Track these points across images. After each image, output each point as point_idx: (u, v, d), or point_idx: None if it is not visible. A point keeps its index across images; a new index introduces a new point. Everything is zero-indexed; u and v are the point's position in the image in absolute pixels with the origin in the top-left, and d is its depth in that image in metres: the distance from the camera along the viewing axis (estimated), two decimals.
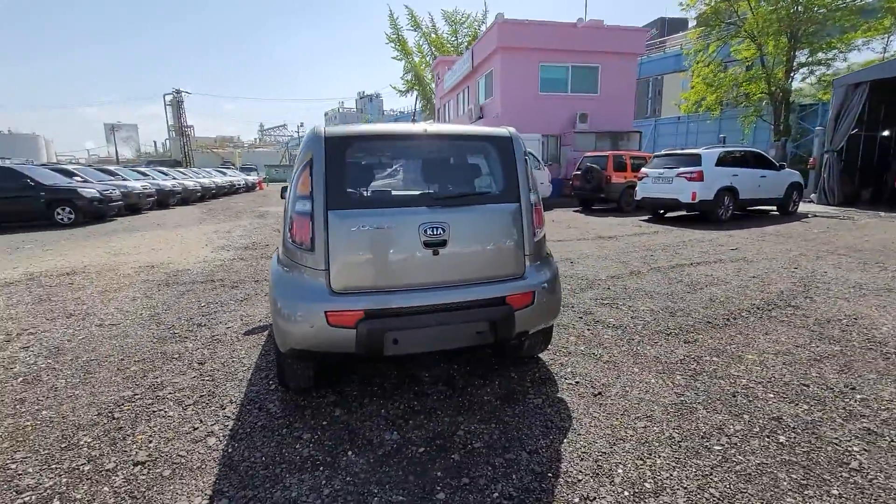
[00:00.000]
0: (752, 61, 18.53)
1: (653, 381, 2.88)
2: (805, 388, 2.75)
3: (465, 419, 2.52)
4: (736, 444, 2.24)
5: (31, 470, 2.14)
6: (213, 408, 2.66)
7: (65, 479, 2.07)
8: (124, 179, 14.98)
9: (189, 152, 44.74)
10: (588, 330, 3.72)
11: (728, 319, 3.89)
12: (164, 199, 16.45)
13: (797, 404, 2.57)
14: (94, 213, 11.72)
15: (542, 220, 2.79)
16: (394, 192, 2.67)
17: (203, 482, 2.04)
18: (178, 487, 2.01)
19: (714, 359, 3.17)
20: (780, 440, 2.26)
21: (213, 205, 18.21)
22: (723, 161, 9.76)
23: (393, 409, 2.64)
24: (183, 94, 44.28)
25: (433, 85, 30.93)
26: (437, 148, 2.82)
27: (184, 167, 29.34)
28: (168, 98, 44.41)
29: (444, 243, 2.44)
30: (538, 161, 14.31)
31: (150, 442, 2.35)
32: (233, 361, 3.25)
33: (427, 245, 2.42)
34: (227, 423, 2.50)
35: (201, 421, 2.53)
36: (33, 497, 1.96)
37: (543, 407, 2.62)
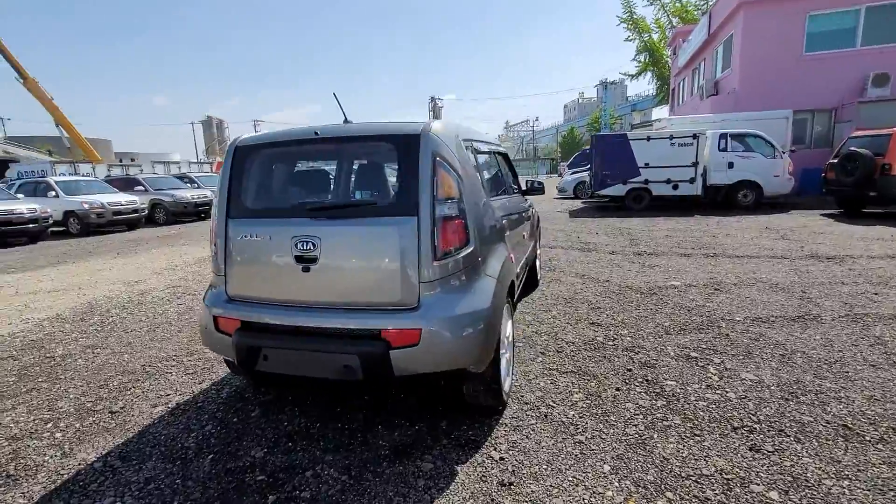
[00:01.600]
0: None
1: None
2: None
3: (331, 459, 2.21)
4: None
5: None
6: None
7: None
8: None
9: None
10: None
11: None
12: None
13: None
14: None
15: (458, 238, 2.18)
16: (275, 203, 2.51)
17: None
18: None
19: None
20: None
21: None
22: None
23: (276, 430, 2.50)
24: (437, 100, 51.19)
25: (670, 62, 26.88)
26: (332, 152, 2.53)
27: None
28: (431, 104, 51.99)
29: (314, 260, 2.16)
30: (772, 147, 10.74)
31: None
32: None
33: (298, 260, 2.19)
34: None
35: None
36: None
37: (423, 478, 2.05)
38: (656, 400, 2.54)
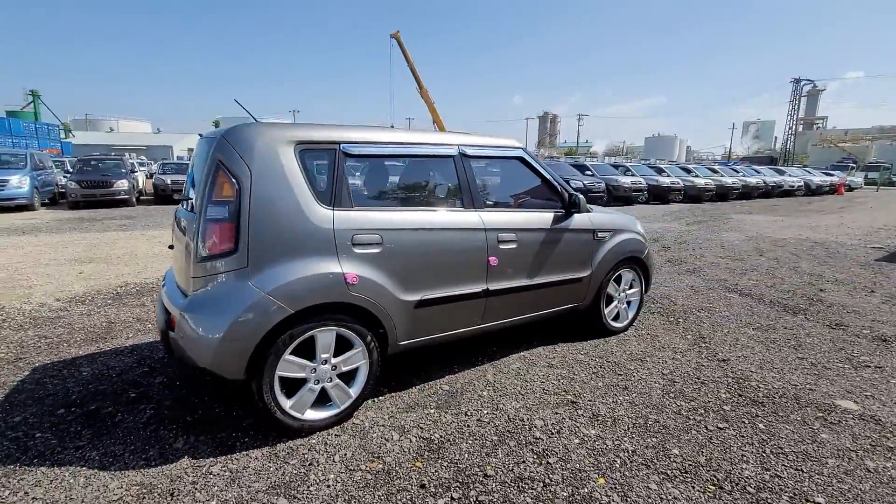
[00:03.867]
0: None
1: None
2: None
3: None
4: None
5: None
6: None
7: None
8: (622, 174, 16.95)
9: (791, 147, 48.42)
10: None
11: None
12: (696, 195, 18.00)
13: None
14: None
15: (224, 243, 2.21)
16: None
17: None
18: None
19: None
20: None
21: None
22: None
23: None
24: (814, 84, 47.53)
25: None
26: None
27: (786, 163, 28.00)
28: (805, 89, 48.12)
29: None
30: None
31: None
32: None
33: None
34: None
35: None
36: None
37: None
38: None
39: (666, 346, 3.66)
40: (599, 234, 3.57)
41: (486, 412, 2.68)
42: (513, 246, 3.04)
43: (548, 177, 3.37)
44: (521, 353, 3.49)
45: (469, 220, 2.86)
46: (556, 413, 2.67)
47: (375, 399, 2.81)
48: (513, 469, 2.17)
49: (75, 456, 2.25)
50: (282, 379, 2.33)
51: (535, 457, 2.26)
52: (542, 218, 3.25)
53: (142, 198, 16.35)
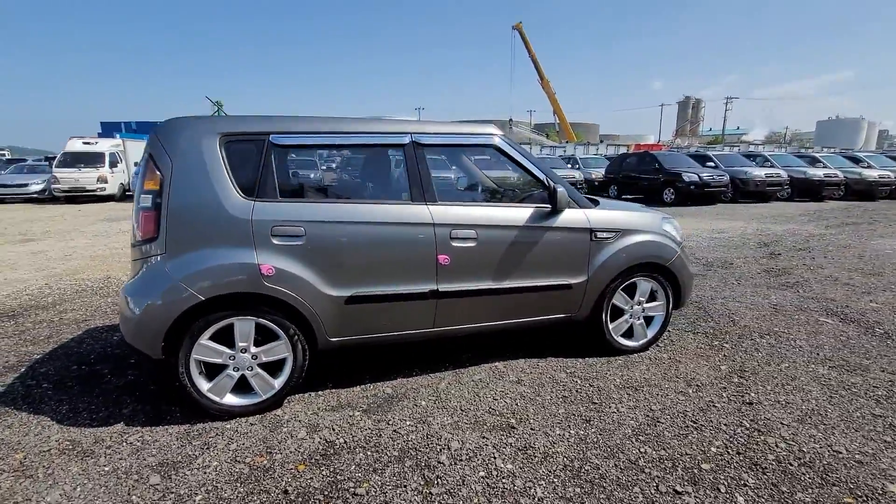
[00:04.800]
0: None
1: None
2: None
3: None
4: None
5: None
6: None
7: None
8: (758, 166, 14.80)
9: None
10: None
11: None
12: (865, 190, 14.43)
13: None
14: (690, 195, 13.00)
15: (148, 229, 2.36)
16: None
17: None
18: None
19: None
20: None
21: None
22: None
23: None
24: None
25: None
26: None
27: None
28: None
29: None
30: None
31: None
32: None
33: None
34: None
35: None
36: None
37: None
38: None
39: (682, 376, 2.97)
40: (599, 235, 3.02)
41: (408, 423, 2.46)
42: (470, 244, 2.73)
43: (530, 167, 2.94)
44: (494, 364, 3.14)
45: (414, 214, 2.63)
46: (483, 437, 2.33)
47: (314, 393, 2.78)
48: (386, 493, 1.95)
49: (52, 407, 2.64)
50: (203, 363, 2.43)
51: (420, 483, 2.01)
52: (515, 214, 2.85)
53: None
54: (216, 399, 2.47)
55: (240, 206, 2.37)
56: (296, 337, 2.51)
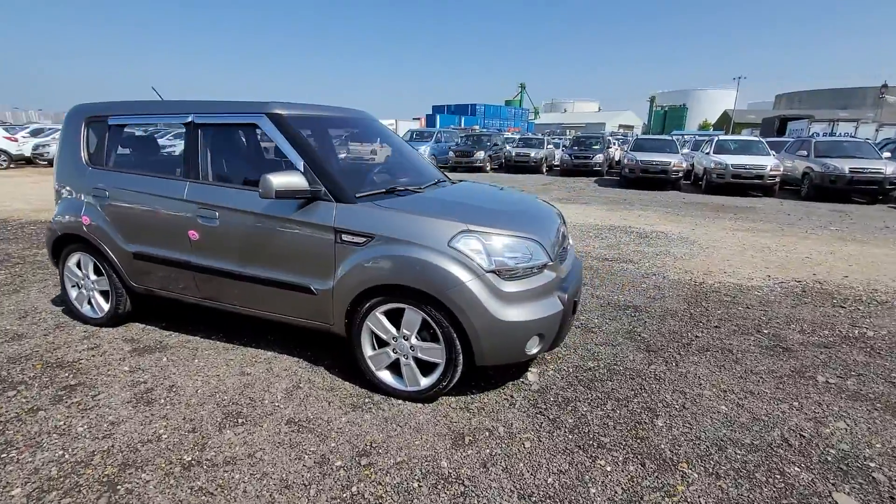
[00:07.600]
0: None
1: None
2: None
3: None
4: None
5: None
6: None
7: None
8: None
9: None
10: None
11: None
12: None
13: None
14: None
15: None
16: None
17: None
18: None
19: None
20: None
21: None
22: None
23: None
24: None
25: None
26: None
27: None
28: None
29: None
30: None
31: None
32: None
33: None
34: None
35: None
36: None
37: None
38: None
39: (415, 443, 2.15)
40: (346, 237, 2.44)
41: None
42: (213, 224, 2.76)
43: (287, 151, 2.62)
44: (255, 351, 3.03)
45: (175, 190, 2.87)
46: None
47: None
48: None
49: None
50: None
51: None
52: (253, 200, 2.63)
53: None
54: (77, 307, 3.48)
55: (83, 172, 3.25)
56: (112, 274, 3.24)
